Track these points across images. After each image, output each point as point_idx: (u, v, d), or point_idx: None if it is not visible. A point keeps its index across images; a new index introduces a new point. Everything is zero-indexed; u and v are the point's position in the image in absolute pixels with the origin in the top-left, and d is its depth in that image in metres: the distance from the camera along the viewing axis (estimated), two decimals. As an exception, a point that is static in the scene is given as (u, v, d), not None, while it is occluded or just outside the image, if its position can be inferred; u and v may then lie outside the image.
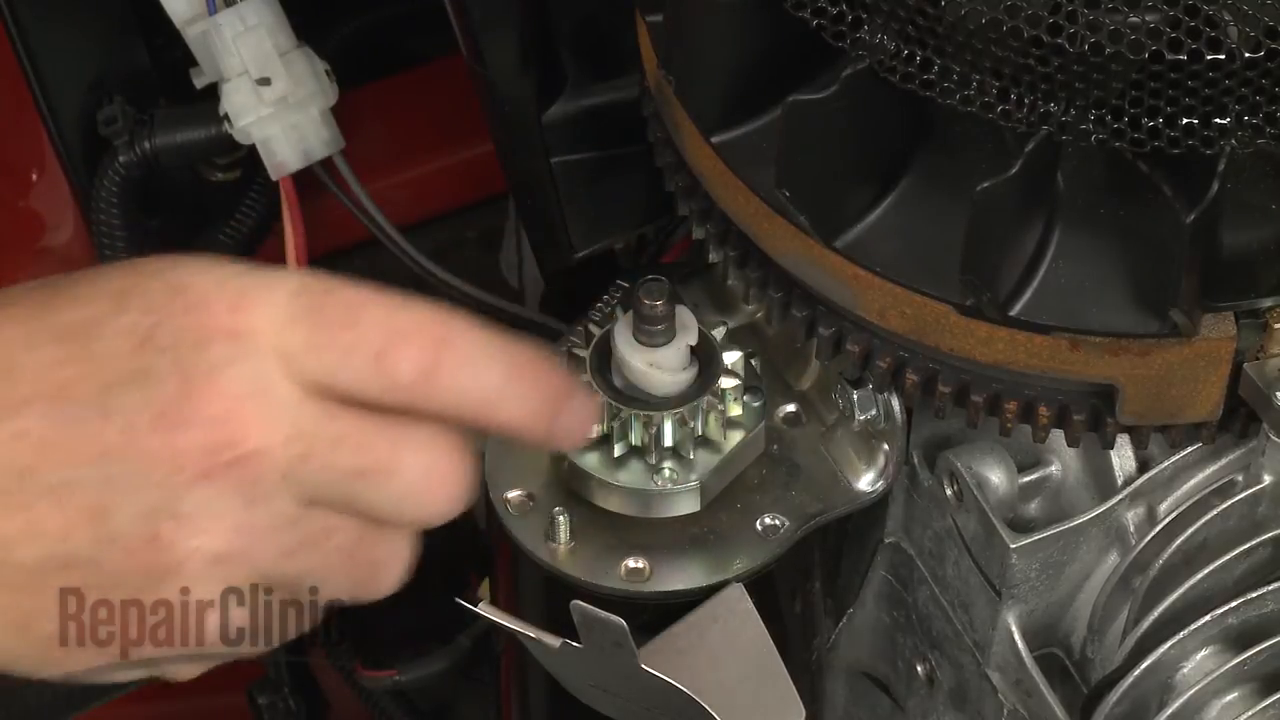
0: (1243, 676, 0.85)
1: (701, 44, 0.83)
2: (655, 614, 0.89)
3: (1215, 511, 0.86)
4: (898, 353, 0.84)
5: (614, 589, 0.89)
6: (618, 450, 0.90)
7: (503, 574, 0.97)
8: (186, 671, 0.83)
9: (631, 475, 0.90)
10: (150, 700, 1.31)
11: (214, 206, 1.20)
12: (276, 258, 1.14)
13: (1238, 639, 0.85)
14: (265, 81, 1.08)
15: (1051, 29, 0.72)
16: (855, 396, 0.90)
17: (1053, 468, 0.92)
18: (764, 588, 0.90)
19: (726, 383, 0.90)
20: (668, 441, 0.89)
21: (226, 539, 0.77)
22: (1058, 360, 0.81)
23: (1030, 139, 0.76)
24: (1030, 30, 0.72)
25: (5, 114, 1.19)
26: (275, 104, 1.08)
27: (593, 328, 0.92)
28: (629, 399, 0.89)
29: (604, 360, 0.90)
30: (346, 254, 1.25)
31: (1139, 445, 0.86)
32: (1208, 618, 0.85)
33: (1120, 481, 0.90)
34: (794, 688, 0.87)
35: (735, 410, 0.91)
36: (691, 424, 0.89)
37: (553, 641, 0.85)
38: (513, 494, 0.92)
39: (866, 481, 0.93)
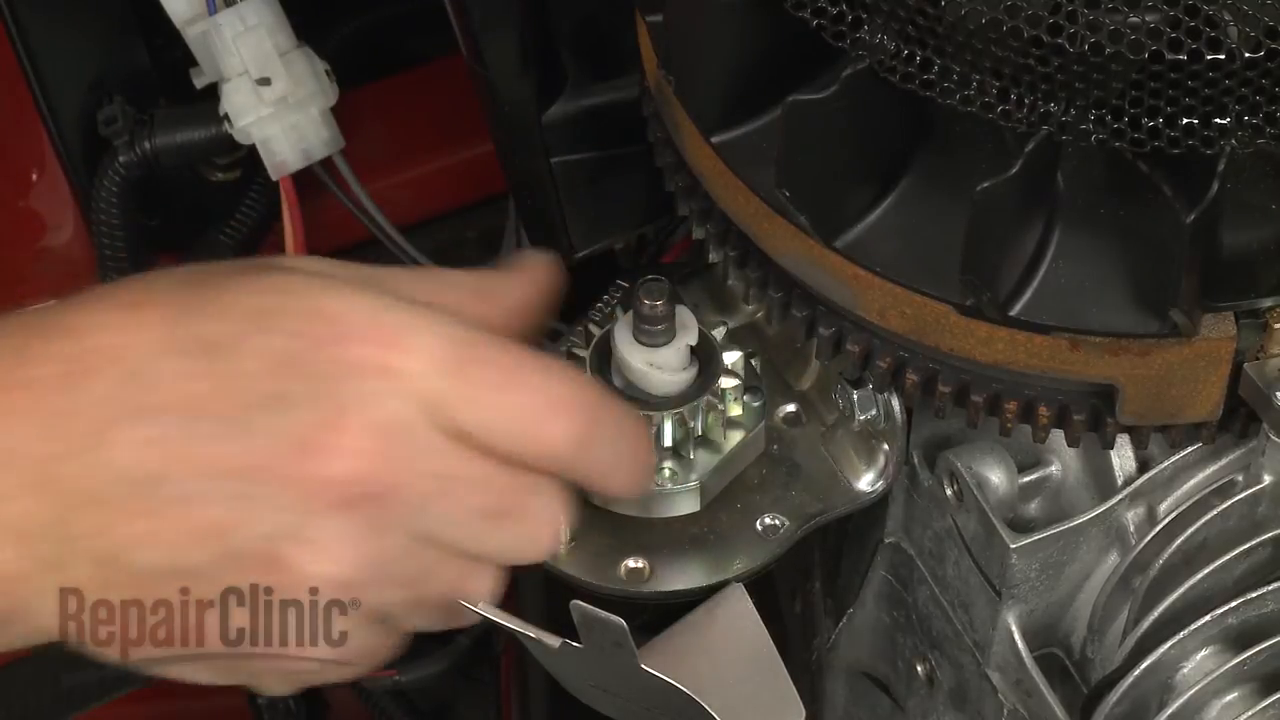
0: (1243, 676, 0.85)
1: (701, 44, 0.83)
2: (655, 614, 0.89)
3: (1215, 511, 0.86)
4: (898, 353, 0.84)
5: (614, 589, 0.89)
6: (618, 450, 0.90)
7: (503, 574, 0.97)
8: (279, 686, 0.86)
9: (632, 475, 0.90)
10: (150, 700, 1.31)
11: (214, 206, 1.20)
12: (276, 257, 1.14)
13: (1238, 639, 0.85)
14: (265, 81, 1.08)
15: (1051, 29, 0.72)
16: (855, 396, 0.90)
17: (1053, 468, 0.92)
18: (764, 588, 0.90)
19: (726, 383, 0.90)
20: (667, 441, 0.89)
21: (350, 568, 0.79)
22: (1058, 360, 0.81)
23: (1030, 139, 0.76)
24: (1030, 30, 0.72)
25: (5, 114, 1.19)
26: (275, 104, 1.08)
27: (593, 328, 0.92)
28: (629, 399, 0.89)
29: (604, 360, 0.90)
30: (346, 254, 1.25)
31: (1139, 445, 0.86)
32: (1208, 618, 0.85)
33: (1120, 481, 0.90)
34: (794, 688, 0.87)
35: (735, 410, 0.91)
36: (691, 424, 0.89)
37: (553, 641, 0.85)
38: (513, 494, 0.92)
39: (866, 481, 0.93)
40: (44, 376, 0.77)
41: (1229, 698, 0.85)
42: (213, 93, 1.10)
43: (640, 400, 0.89)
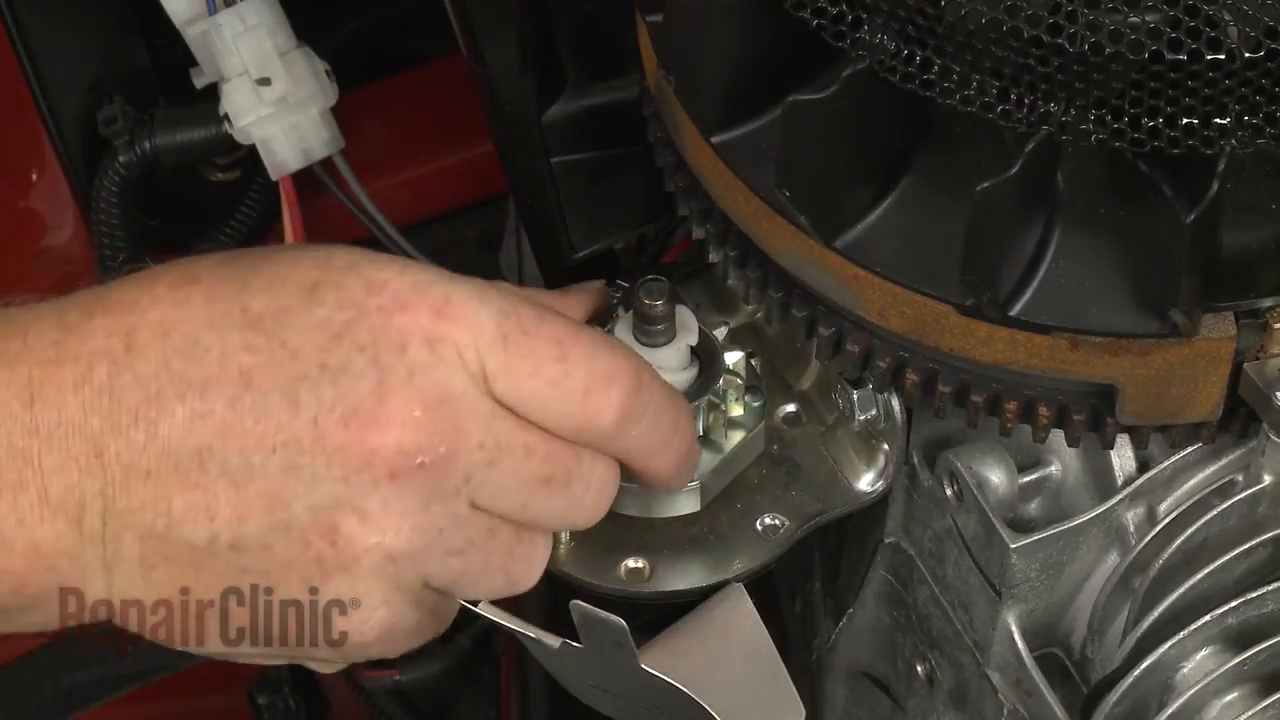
0: (1243, 676, 0.85)
1: (701, 44, 0.83)
2: (655, 614, 0.89)
3: (1215, 511, 0.86)
4: (898, 353, 0.84)
5: (614, 589, 0.89)
6: (618, 450, 0.90)
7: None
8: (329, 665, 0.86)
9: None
10: (150, 700, 1.31)
11: (214, 206, 1.20)
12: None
13: (1238, 639, 0.85)
14: (265, 81, 1.08)
15: (1051, 29, 0.72)
16: (855, 396, 0.90)
17: (1053, 468, 0.92)
18: (764, 588, 0.90)
19: (727, 383, 0.90)
20: (668, 441, 0.90)
21: (406, 538, 0.79)
22: (1058, 360, 0.81)
23: (1030, 139, 0.76)
24: (1030, 30, 0.72)
25: (5, 114, 1.19)
26: (275, 104, 1.08)
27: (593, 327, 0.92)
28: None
29: (604, 360, 0.90)
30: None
31: (1139, 445, 0.86)
32: (1208, 618, 0.85)
33: (1120, 481, 0.90)
34: (794, 688, 0.87)
35: (735, 410, 0.91)
36: (692, 424, 0.90)
37: (553, 641, 0.85)
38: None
39: (866, 481, 0.93)
40: (92, 351, 0.77)
41: (1229, 698, 0.85)
42: (213, 93, 1.10)
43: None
